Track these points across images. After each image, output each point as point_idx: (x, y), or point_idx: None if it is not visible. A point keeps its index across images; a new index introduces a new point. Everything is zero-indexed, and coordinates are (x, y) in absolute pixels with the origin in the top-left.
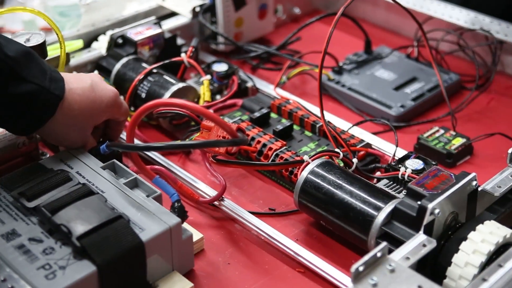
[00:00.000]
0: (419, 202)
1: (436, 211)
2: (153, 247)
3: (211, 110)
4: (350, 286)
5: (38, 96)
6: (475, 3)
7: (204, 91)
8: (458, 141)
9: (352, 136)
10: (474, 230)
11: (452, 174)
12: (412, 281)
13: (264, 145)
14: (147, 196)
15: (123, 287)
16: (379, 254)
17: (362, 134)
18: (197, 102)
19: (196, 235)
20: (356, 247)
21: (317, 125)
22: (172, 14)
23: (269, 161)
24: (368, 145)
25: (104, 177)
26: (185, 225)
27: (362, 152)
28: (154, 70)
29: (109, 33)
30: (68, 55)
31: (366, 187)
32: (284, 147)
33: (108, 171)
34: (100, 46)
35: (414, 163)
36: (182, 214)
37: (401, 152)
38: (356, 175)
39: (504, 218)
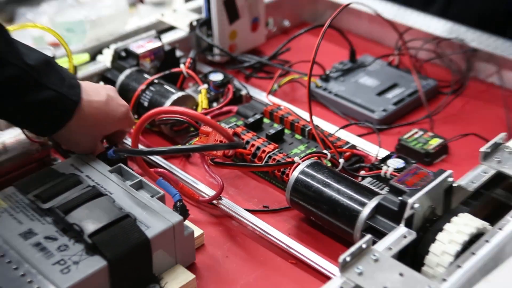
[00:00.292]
0: (400, 198)
1: (416, 205)
2: (158, 243)
3: (208, 117)
4: (338, 275)
5: (56, 102)
6: (451, 14)
7: (202, 99)
8: (435, 142)
9: (339, 139)
10: (450, 222)
11: (430, 171)
12: (394, 269)
13: (258, 148)
14: (152, 196)
15: (131, 279)
16: (364, 246)
17: (348, 136)
18: (196, 109)
19: (197, 231)
20: (343, 240)
21: (307, 129)
22: (171, 28)
23: (263, 163)
24: (353, 147)
25: (111, 180)
26: (187, 222)
27: (347, 153)
28: (155, 81)
29: (113, 46)
30: (75, 68)
31: (351, 185)
32: (276, 150)
33: (115, 174)
34: (105, 59)
35: (396, 162)
36: (183, 212)
37: (383, 153)
38: (342, 174)
39: (477, 211)
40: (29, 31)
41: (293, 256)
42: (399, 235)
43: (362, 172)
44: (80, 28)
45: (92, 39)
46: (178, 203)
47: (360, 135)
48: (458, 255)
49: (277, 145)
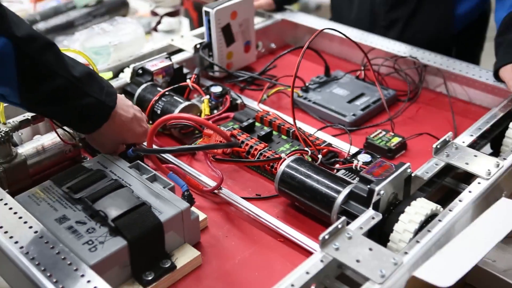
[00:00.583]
0: (368, 186)
1: (381, 192)
2: (169, 225)
3: (210, 122)
4: (319, 250)
5: (96, 107)
6: (406, 39)
7: (205, 107)
8: (396, 140)
9: (317, 138)
10: (409, 205)
11: (392, 164)
12: (364, 244)
13: (251, 147)
14: (164, 187)
15: (147, 256)
16: (339, 226)
17: (325, 136)
18: (200, 116)
19: (202, 216)
20: (322, 221)
21: (291, 131)
22: (179, 50)
23: (255, 159)
24: (329, 145)
25: (131, 174)
26: (193, 208)
27: (325, 150)
28: (166, 93)
29: (132, 66)
30: None
31: (328, 176)
32: (266, 148)
33: (134, 170)
34: (126, 76)
35: (364, 157)
36: (190, 200)
37: (354, 149)
38: (321, 167)
39: (431, 196)
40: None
41: (281, 235)
42: (368, 217)
43: (337, 166)
44: (105, 51)
45: (115, 60)
46: (185, 193)
47: (334, 135)
48: (417, 232)
49: (266, 144)
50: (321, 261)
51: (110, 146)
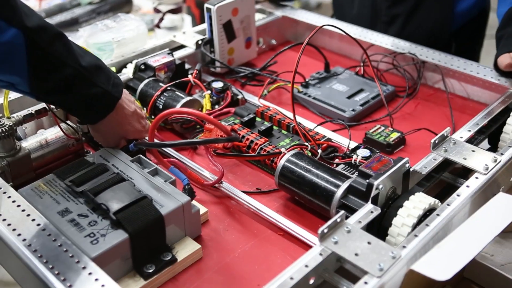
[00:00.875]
0: (367, 180)
1: (380, 186)
2: (170, 219)
3: (211, 116)
4: (318, 243)
5: (103, 97)
6: (405, 35)
7: (206, 102)
8: (394, 135)
9: (317, 133)
10: (408, 199)
11: (391, 159)
12: (363, 238)
13: (252, 141)
14: (165, 181)
15: (148, 249)
16: (338, 220)
17: (324, 131)
18: (201, 110)
19: (202, 209)
20: (322, 215)
21: (291, 126)
22: (181, 46)
23: (256, 153)
24: (329, 140)
25: (132, 168)
26: (194, 202)
27: (324, 145)
28: (168, 88)
29: (135, 61)
30: None
31: (328, 171)
32: (267, 142)
33: (135, 163)
34: (128, 71)
35: (363, 152)
36: (191, 194)
37: (353, 144)
38: (320, 162)
39: (429, 190)
40: None
41: (281, 229)
42: (367, 211)
43: (336, 160)
44: (108, 47)
45: (118, 56)
46: (186, 186)
47: (334, 130)
48: (415, 226)
49: (267, 139)
50: (320, 254)
51: (112, 139)
